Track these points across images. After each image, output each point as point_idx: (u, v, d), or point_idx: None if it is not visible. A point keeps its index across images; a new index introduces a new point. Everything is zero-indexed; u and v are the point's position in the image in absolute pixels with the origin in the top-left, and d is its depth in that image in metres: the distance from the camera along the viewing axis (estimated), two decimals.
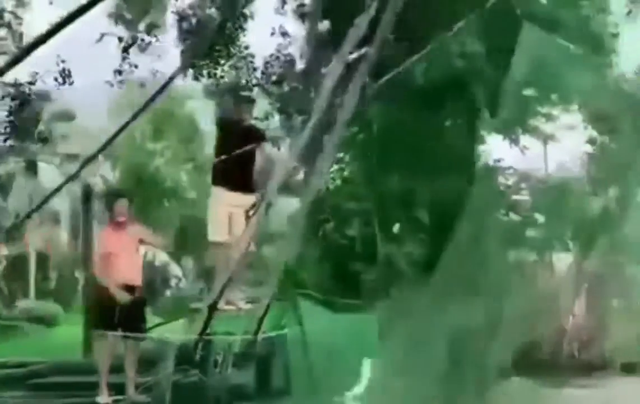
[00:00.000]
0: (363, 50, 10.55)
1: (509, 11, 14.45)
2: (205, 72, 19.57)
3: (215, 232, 10.64)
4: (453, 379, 17.08)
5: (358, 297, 14.97)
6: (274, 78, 19.46)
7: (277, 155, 11.80)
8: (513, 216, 20.23)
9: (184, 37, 19.63)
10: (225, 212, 10.59)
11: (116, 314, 10.04)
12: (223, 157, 10.85)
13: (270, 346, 11.22)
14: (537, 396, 17.34)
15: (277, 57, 19.64)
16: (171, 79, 12.53)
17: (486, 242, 18.57)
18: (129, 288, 10.26)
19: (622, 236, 20.82)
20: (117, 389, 10.41)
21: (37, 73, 20.29)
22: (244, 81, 19.45)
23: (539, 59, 17.24)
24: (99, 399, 10.07)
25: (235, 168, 10.81)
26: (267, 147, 11.48)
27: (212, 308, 10.12)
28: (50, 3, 18.13)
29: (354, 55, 10.24)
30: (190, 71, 19.07)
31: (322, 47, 19.33)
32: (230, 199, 10.72)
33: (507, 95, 18.47)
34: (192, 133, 33.40)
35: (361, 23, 10.35)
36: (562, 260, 21.33)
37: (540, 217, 20.38)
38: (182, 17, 19.83)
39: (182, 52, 19.25)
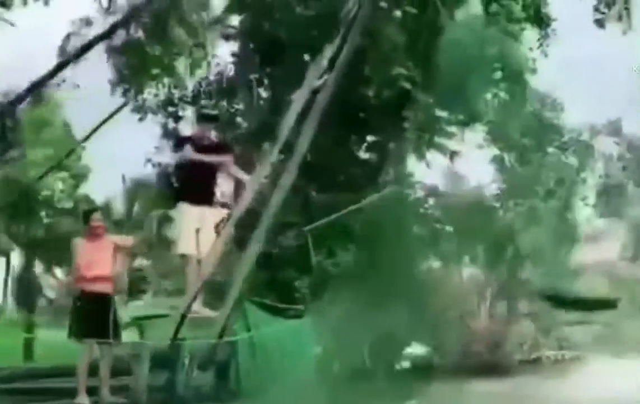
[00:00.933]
0: (324, 79, 11.72)
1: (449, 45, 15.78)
2: (133, 89, 19.89)
3: (184, 245, 11.23)
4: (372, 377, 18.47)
5: (293, 303, 15.85)
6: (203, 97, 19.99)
7: (238, 171, 12.28)
8: (424, 228, 21.65)
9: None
10: (193, 227, 11.16)
11: (92, 319, 10.60)
12: (187, 172, 11.43)
13: (230, 350, 12.01)
14: (447, 392, 18.91)
15: (206, 76, 20.22)
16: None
17: (401, 252, 20.11)
18: (104, 295, 10.85)
19: (524, 245, 22.87)
20: (90, 392, 10.93)
21: None
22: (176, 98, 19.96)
23: (455, 83, 18.87)
24: (77, 400, 10.57)
25: (200, 183, 11.40)
26: (231, 162, 11.92)
27: (184, 315, 10.97)
28: None
29: (319, 83, 11.33)
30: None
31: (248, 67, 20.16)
32: (196, 213, 11.25)
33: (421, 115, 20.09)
34: (67, 141, 32.54)
35: (325, 54, 11.52)
36: (470, 268, 23.00)
37: (449, 229, 21.96)
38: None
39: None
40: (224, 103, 20.31)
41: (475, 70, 18.72)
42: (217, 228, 11.24)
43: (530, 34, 17.86)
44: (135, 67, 19.61)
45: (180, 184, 11.91)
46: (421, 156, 22.11)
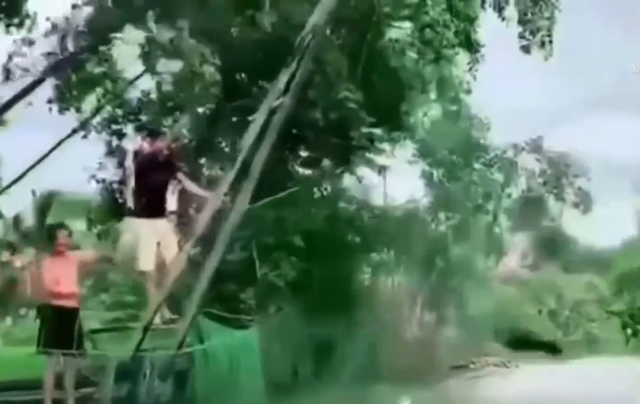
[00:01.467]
0: (280, 100, 12.46)
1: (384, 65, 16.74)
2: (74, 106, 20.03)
3: (144, 262, 11.58)
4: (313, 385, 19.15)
5: (239, 314, 16.39)
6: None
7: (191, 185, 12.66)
8: (357, 240, 22.47)
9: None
10: (152, 242, 11.53)
11: (59, 332, 10.98)
12: (141, 188, 11.75)
13: (188, 361, 12.50)
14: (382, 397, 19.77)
15: (148, 93, 20.50)
16: None
17: (339, 264, 20.93)
18: (70, 309, 11.24)
19: (454, 257, 23.99)
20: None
21: None
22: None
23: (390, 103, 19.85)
24: None
25: (154, 198, 11.71)
26: (183, 176, 12.27)
27: (146, 327, 11.43)
28: None
29: (276, 103, 12.06)
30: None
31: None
32: (154, 227, 11.58)
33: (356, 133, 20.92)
34: None
35: (282, 77, 12.25)
36: (403, 278, 23.95)
37: (382, 242, 22.86)
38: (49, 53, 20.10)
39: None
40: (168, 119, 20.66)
41: (410, 91, 19.88)
42: (180, 243, 11.71)
43: (463, 58, 18.98)
44: (76, 85, 19.82)
45: (134, 199, 12.00)
46: (352, 172, 23.05)
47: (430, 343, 24.16)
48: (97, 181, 20.00)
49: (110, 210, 19.52)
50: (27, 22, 19.21)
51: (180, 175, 12.01)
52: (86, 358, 11.72)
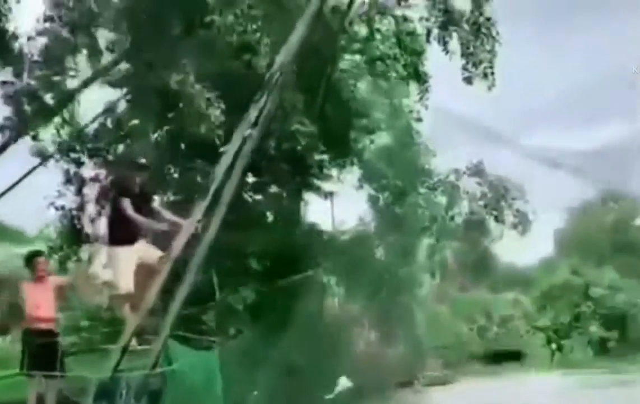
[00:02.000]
0: (249, 132, 13.28)
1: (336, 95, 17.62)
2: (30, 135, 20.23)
3: (123, 285, 12.15)
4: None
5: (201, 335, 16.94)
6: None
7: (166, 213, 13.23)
8: (308, 263, 23.14)
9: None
10: (131, 266, 12.14)
11: (41, 355, 11.42)
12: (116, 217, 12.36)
13: (161, 380, 13.05)
14: None
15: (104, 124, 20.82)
16: None
17: (291, 286, 21.61)
18: (50, 332, 11.69)
19: (400, 278, 24.90)
20: None
21: None
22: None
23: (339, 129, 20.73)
24: None
25: (129, 225, 12.36)
26: (157, 206, 12.87)
27: (124, 349, 12.00)
28: None
29: (246, 134, 12.86)
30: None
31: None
32: (130, 252, 12.20)
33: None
34: None
35: (252, 111, 13.06)
36: (352, 299, 24.78)
37: (331, 264, 23.58)
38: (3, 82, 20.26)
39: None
40: (120, 146, 21.04)
41: (359, 120, 20.85)
42: (159, 264, 12.33)
43: (413, 88, 20.04)
44: (30, 114, 20.07)
45: (112, 228, 12.62)
46: (301, 197, 23.84)
47: (378, 361, 25.02)
48: (56, 208, 20.30)
49: (70, 236, 19.83)
50: None
51: (154, 204, 12.69)
52: (66, 379, 12.21)
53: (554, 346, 43.94)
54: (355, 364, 23.47)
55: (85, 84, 20.44)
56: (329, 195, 25.18)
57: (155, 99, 20.18)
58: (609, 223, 60.17)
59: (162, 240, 13.43)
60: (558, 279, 46.63)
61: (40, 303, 11.80)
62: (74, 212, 19.94)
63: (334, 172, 23.66)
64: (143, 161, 16.17)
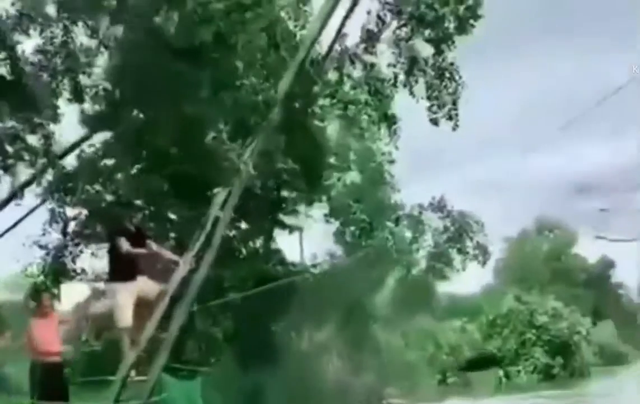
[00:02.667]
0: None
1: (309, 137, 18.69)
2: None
3: (123, 319, 12.93)
4: None
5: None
6: None
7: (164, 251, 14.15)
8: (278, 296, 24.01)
9: None
10: (130, 301, 12.96)
11: (48, 386, 12.19)
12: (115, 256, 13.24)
13: None
14: None
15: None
16: None
17: (265, 318, 22.52)
18: (56, 364, 12.49)
19: (367, 309, 25.95)
20: None
21: None
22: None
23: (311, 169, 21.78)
24: None
25: (128, 264, 13.20)
26: (152, 244, 13.24)
27: (124, 379, 12.92)
28: None
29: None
30: None
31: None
32: (129, 289, 13.04)
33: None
34: None
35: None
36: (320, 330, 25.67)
37: (300, 297, 24.46)
38: None
39: None
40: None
41: (329, 159, 21.96)
42: (157, 300, 13.25)
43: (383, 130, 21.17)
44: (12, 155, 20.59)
45: (112, 266, 13.47)
46: (268, 233, 24.78)
47: (344, 390, 25.88)
48: (40, 247, 20.89)
49: (54, 273, 20.44)
50: None
51: (151, 243, 13.58)
52: None
53: (501, 372, 45.22)
54: (323, 392, 24.35)
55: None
56: (297, 230, 26.09)
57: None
58: (545, 252, 62.50)
59: (159, 276, 14.42)
60: (503, 307, 47.95)
61: (47, 336, 12.63)
62: (58, 251, 20.58)
63: (302, 208, 24.61)
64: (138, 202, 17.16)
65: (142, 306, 13.26)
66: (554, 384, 42.68)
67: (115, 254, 13.06)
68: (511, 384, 44.11)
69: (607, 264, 66.96)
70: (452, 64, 19.92)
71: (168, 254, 14.07)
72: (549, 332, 44.81)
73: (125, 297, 12.91)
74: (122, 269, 12.98)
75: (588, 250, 63.23)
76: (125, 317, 12.81)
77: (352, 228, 24.43)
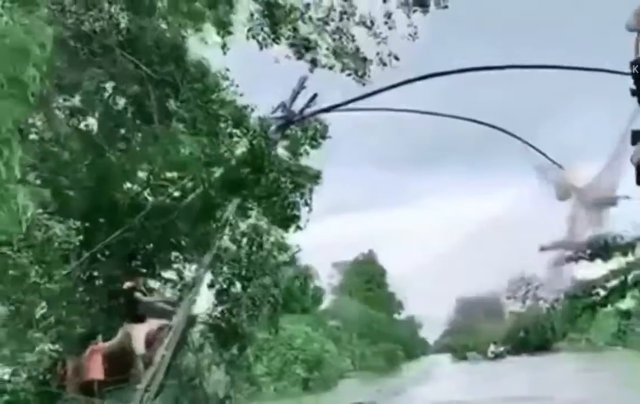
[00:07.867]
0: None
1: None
2: None
3: (138, 347, 17.45)
4: None
5: None
6: None
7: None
8: None
9: None
10: (142, 335, 17.65)
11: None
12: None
13: None
14: None
15: None
16: None
17: None
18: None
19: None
20: None
21: None
22: None
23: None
24: None
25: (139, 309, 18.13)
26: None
27: (147, 389, 17.16)
28: None
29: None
30: None
31: None
32: (140, 327, 17.86)
33: None
34: None
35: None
36: None
37: None
38: None
39: None
40: None
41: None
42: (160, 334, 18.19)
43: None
44: None
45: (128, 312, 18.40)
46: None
47: None
48: None
49: None
50: None
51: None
52: None
53: (272, 387, 51.04)
54: None
55: None
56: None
57: None
58: None
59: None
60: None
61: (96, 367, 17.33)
62: None
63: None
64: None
65: (151, 338, 18.10)
66: (311, 392, 52.22)
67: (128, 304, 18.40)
68: (278, 394, 50.01)
69: None
70: None
71: (162, 304, 19.37)
72: (305, 352, 54.22)
73: (138, 333, 17.93)
74: (134, 314, 18.36)
75: None
76: (140, 347, 17.75)
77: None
